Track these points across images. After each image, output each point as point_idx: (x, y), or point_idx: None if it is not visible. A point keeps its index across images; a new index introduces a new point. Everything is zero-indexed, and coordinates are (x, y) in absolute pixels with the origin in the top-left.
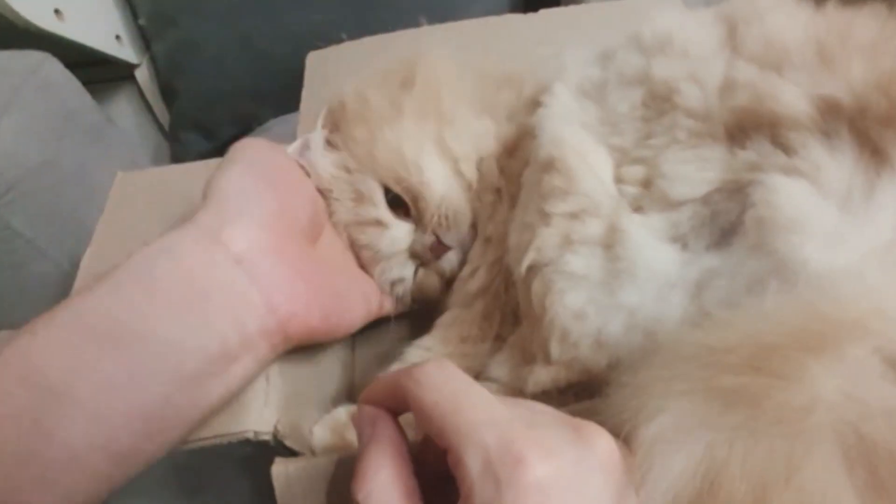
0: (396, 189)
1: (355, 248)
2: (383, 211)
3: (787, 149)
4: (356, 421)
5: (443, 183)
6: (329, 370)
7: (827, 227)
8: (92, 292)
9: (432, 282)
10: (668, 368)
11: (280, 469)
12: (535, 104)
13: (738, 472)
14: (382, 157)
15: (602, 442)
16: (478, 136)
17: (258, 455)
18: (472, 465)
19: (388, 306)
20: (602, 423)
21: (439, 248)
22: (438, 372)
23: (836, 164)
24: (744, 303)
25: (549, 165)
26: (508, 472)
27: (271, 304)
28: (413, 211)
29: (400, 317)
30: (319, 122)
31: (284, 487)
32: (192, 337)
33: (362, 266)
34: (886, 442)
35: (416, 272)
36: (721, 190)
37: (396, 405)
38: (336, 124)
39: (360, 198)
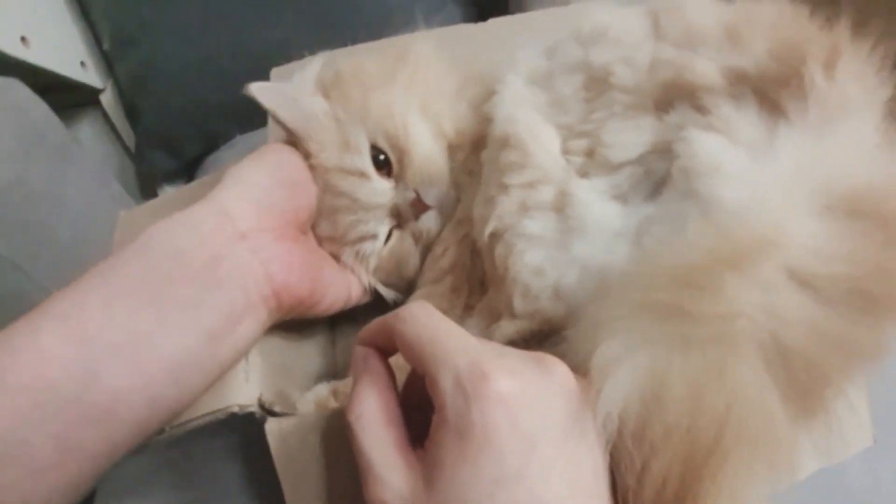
0: (384, 145)
1: (328, 198)
2: (367, 163)
3: (703, 110)
4: (352, 358)
5: (427, 141)
6: (308, 352)
7: (738, 169)
8: (119, 259)
9: (406, 247)
10: (612, 298)
11: (273, 426)
12: (491, 94)
13: (677, 379)
14: (374, 112)
15: (561, 369)
16: (457, 116)
17: (245, 443)
18: (445, 384)
19: (366, 294)
20: (562, 360)
21: (419, 205)
22: (420, 310)
23: (742, 119)
24: (675, 240)
25: (504, 142)
26: (476, 387)
27: (269, 274)
28: (396, 168)
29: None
30: (310, 75)
31: (279, 441)
32: (209, 297)
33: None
34: (800, 347)
35: (389, 235)
36: (653, 151)
37: (385, 344)
38: (327, 90)
39: (346, 146)
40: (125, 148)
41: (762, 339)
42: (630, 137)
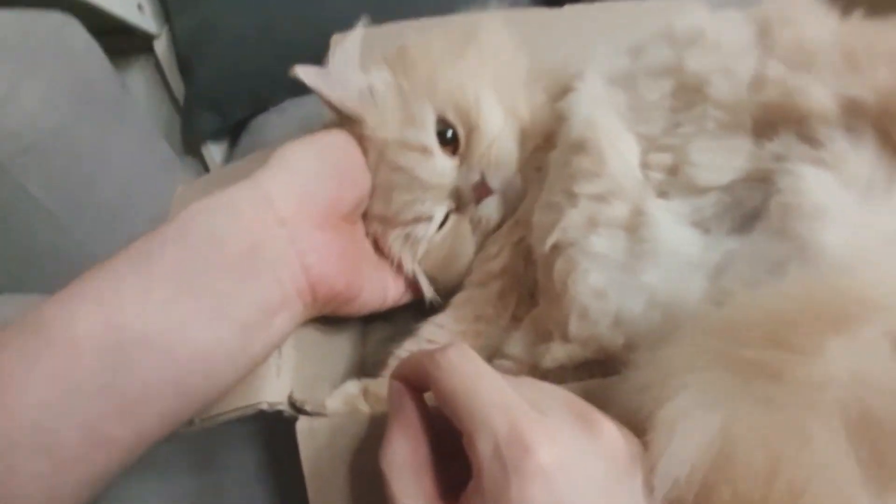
0: (452, 119)
1: (384, 173)
2: (432, 138)
3: (813, 142)
4: (388, 394)
5: (498, 119)
6: (340, 348)
7: (848, 214)
8: (156, 241)
9: (462, 234)
10: (689, 345)
11: (304, 425)
12: (566, 90)
13: (754, 443)
14: (443, 86)
15: (609, 431)
16: (532, 101)
17: (265, 431)
18: (484, 448)
19: (403, 296)
20: (617, 401)
21: (483, 188)
22: (458, 357)
23: (858, 158)
24: (763, 283)
25: (579, 147)
26: (516, 459)
27: (305, 265)
28: (463, 147)
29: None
30: (351, 47)
31: (308, 440)
32: (245, 288)
33: (380, 244)
34: (890, 419)
35: (445, 220)
36: (745, 179)
37: (421, 383)
38: (393, 67)
39: (409, 120)
40: (173, 100)
41: (852, 409)
42: (721, 160)
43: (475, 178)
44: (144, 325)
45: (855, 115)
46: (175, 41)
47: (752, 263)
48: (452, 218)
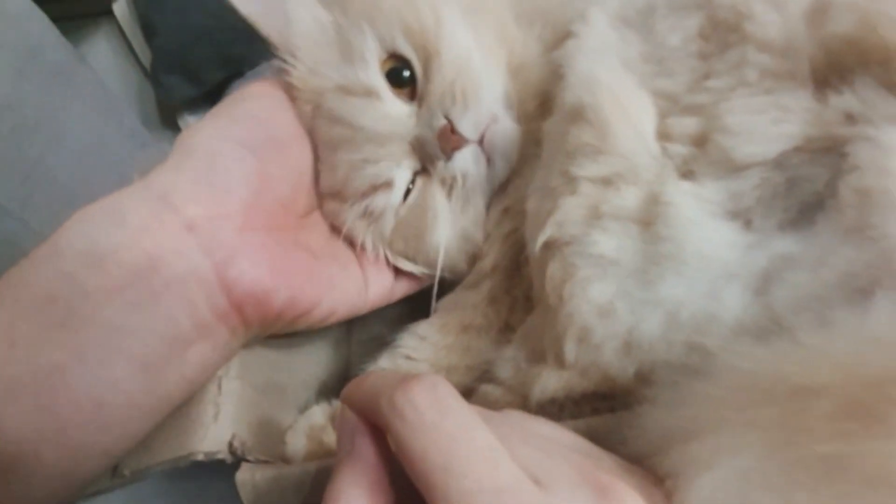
0: (403, 48)
1: (323, 130)
2: (376, 75)
3: None
4: (338, 425)
5: (464, 40)
6: (313, 355)
7: None
8: (31, 262)
9: (433, 199)
10: (730, 407)
11: (246, 477)
12: (565, 36)
13: None
14: (389, 5)
15: None
16: (523, 43)
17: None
18: None
19: (394, 290)
20: (629, 442)
21: (451, 137)
22: (429, 406)
23: None
24: (835, 311)
25: (577, 115)
26: None
27: (224, 280)
28: (422, 84)
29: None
30: None
31: (250, 494)
32: (139, 317)
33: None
34: None
35: (411, 184)
36: (803, 149)
37: (378, 423)
38: (330, 4)
39: (347, 55)
40: (144, 70)
41: None
42: (768, 123)
43: (439, 121)
44: (10, 371)
45: None
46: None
47: (814, 275)
48: (420, 182)
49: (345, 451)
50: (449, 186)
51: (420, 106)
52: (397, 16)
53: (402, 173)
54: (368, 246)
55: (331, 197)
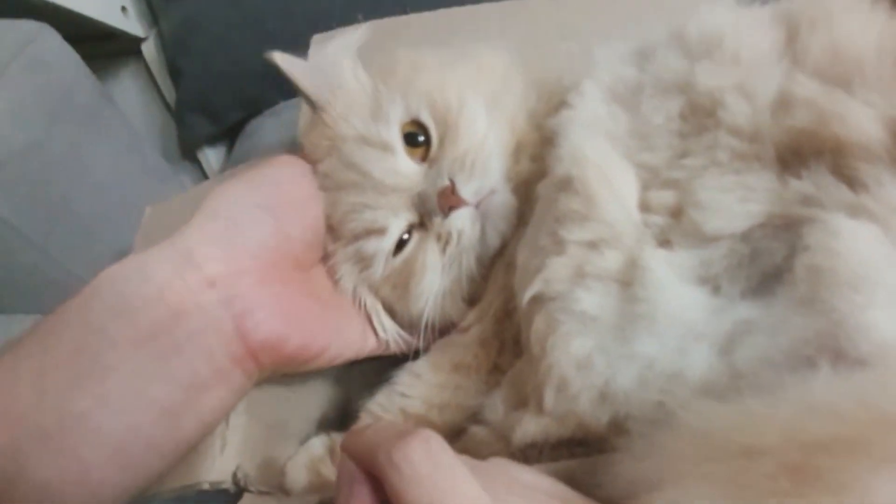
0: (426, 119)
1: (337, 173)
2: (395, 134)
3: (854, 183)
4: (337, 472)
5: (482, 121)
6: (316, 391)
7: None
8: (61, 315)
9: (426, 254)
10: (687, 461)
11: None
12: (560, 104)
13: None
14: (422, 84)
15: None
16: (531, 114)
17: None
18: None
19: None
20: (605, 485)
21: (452, 197)
22: (423, 460)
23: None
24: (784, 373)
25: (567, 184)
26: None
27: (242, 330)
28: (435, 150)
29: None
30: (352, 42)
31: None
32: (161, 365)
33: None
34: None
35: (406, 236)
36: (766, 225)
37: (375, 473)
38: (373, 71)
39: (376, 114)
40: (167, 106)
41: None
42: (735, 201)
43: (443, 181)
44: (38, 419)
45: None
46: (162, 43)
47: (771, 339)
48: (416, 236)
49: (344, 498)
50: (444, 242)
51: (430, 167)
52: (427, 94)
53: (398, 223)
54: (348, 291)
55: (328, 231)
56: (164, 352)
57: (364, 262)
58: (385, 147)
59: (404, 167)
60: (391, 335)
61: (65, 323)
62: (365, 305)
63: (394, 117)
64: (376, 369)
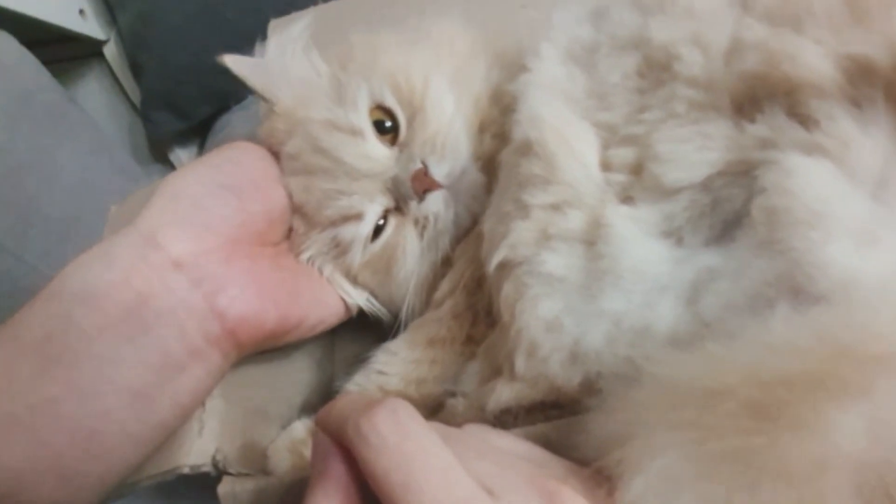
0: (391, 103)
1: (305, 156)
2: (364, 119)
3: (807, 121)
4: (312, 446)
5: (449, 104)
6: (296, 373)
7: (857, 221)
8: (31, 306)
9: (405, 238)
10: (654, 410)
11: (228, 489)
12: (520, 68)
13: None
14: (384, 67)
15: None
16: (493, 88)
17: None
18: None
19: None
20: (579, 446)
21: (425, 180)
22: (390, 430)
23: (869, 142)
24: (747, 317)
25: (526, 149)
26: None
27: (217, 309)
28: (404, 134)
29: None
30: (296, 34)
31: None
32: (130, 348)
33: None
34: None
35: (382, 222)
36: (724, 173)
37: (347, 446)
38: (331, 59)
39: (340, 98)
40: (134, 107)
41: (864, 482)
42: (693, 150)
43: (415, 164)
44: (6, 407)
45: (862, 83)
46: (121, 40)
47: (734, 284)
48: (393, 221)
49: (318, 472)
50: (422, 227)
51: (401, 151)
52: (391, 77)
53: (374, 208)
54: (326, 275)
55: (300, 214)
56: (133, 334)
57: (340, 247)
58: (354, 132)
59: (375, 152)
60: (361, 301)
61: (33, 313)
62: (338, 286)
63: (361, 102)
64: (358, 353)
